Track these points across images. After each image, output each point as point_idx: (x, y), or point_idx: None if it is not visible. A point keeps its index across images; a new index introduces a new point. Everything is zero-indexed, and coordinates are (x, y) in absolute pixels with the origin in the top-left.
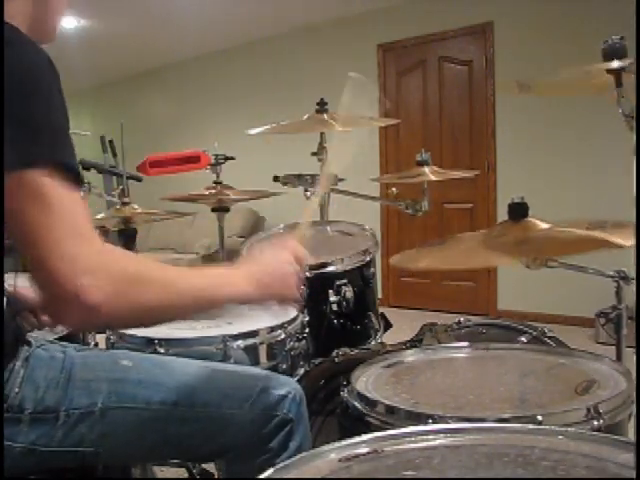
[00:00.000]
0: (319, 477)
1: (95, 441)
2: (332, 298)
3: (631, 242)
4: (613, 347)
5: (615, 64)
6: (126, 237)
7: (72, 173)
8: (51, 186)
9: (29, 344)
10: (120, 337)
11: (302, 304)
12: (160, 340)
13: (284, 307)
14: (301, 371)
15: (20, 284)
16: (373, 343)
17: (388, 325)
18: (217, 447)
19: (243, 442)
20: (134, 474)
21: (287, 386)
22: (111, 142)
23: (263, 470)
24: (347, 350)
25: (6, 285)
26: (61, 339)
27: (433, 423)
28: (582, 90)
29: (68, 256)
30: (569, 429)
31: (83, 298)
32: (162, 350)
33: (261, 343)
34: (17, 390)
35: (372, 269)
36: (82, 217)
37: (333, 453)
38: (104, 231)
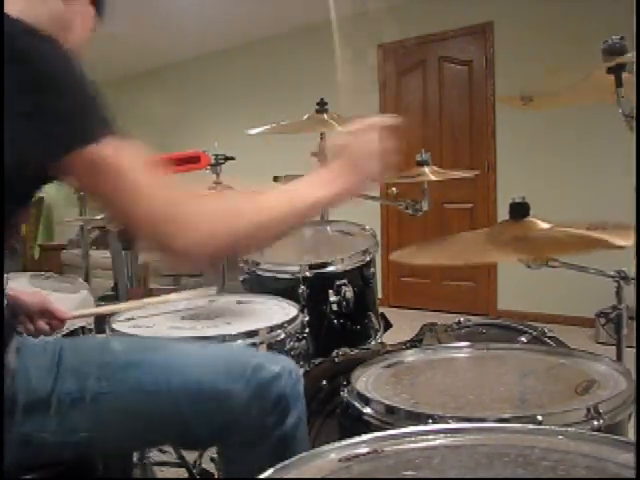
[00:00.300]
0: (319, 477)
1: (88, 427)
2: (332, 298)
3: (630, 242)
4: (613, 347)
5: (615, 61)
6: (126, 237)
7: (128, 141)
8: (123, 153)
9: (20, 334)
10: (120, 336)
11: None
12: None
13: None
14: (301, 371)
15: (19, 285)
16: (373, 343)
17: (388, 325)
18: (213, 427)
19: (238, 419)
20: (134, 474)
21: (281, 362)
22: None
23: (259, 448)
24: (347, 350)
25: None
26: None
27: (433, 423)
28: (583, 96)
29: (164, 201)
30: (569, 429)
31: (192, 230)
32: None
33: (261, 343)
34: (9, 382)
35: (372, 269)
36: (153, 170)
37: (333, 453)
38: (104, 231)
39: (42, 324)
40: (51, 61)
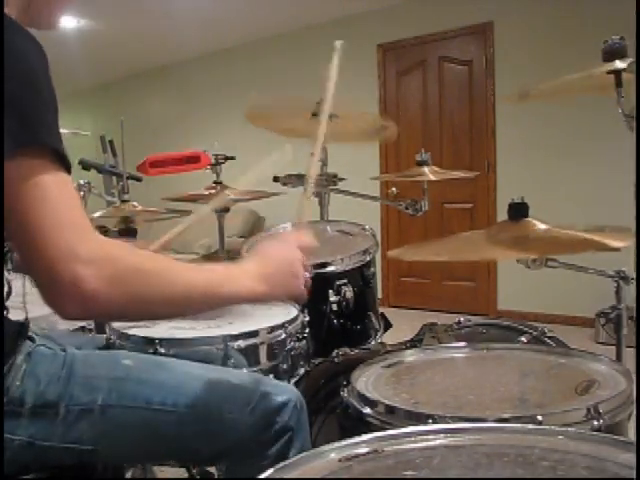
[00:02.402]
0: (319, 477)
1: (94, 438)
2: (332, 298)
3: (625, 243)
4: (613, 347)
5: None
6: (126, 237)
7: (62, 159)
8: (44, 172)
9: (32, 340)
10: (120, 336)
11: (307, 298)
12: (161, 340)
13: (290, 302)
14: (301, 371)
15: (19, 285)
16: (373, 343)
17: (388, 325)
18: (216, 450)
19: (242, 447)
20: (134, 474)
21: (288, 393)
22: (111, 142)
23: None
24: (347, 350)
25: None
26: None
27: (433, 423)
28: (582, 90)
29: (65, 243)
30: (569, 429)
31: (80, 286)
32: (163, 350)
33: (261, 343)
34: (18, 383)
35: (372, 269)
36: (78, 207)
37: (333, 453)
38: (104, 230)
39: None
40: (29, 57)
